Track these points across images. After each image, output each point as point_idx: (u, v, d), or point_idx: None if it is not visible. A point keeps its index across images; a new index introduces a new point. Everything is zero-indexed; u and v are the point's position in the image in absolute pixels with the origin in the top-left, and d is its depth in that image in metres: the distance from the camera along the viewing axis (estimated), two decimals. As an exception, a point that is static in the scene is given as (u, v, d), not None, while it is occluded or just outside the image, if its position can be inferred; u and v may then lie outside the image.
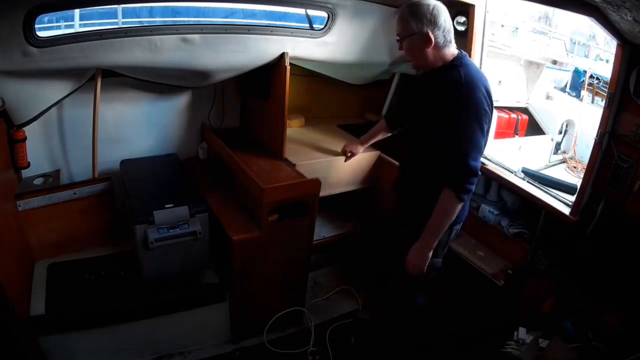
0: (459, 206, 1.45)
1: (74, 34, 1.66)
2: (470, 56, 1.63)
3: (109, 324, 1.72)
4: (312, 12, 2.00)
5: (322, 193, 1.98)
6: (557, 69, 4.20)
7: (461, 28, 2.05)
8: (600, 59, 5.18)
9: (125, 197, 1.85)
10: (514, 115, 3.01)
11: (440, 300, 2.10)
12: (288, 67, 1.92)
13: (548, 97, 3.47)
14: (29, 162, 1.85)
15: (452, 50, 1.44)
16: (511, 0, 3.20)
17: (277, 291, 2.04)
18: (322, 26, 2.03)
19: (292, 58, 1.97)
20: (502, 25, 4.16)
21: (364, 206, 2.41)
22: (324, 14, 1.99)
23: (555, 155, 2.78)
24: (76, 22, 3.28)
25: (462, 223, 1.64)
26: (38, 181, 1.89)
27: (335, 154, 2.14)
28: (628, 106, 1.60)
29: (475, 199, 2.12)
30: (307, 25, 2.03)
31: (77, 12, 3.15)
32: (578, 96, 4.18)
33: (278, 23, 2.22)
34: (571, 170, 2.63)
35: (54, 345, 1.64)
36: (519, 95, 3.22)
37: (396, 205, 1.81)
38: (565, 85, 4.43)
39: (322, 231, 2.27)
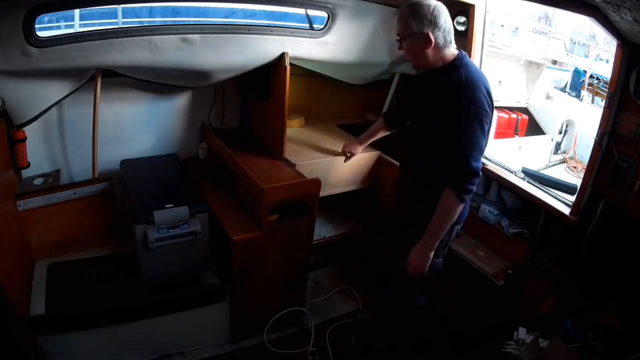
0: (460, 206, 1.46)
1: (74, 34, 1.66)
2: (470, 56, 1.63)
3: (109, 324, 1.72)
4: (312, 12, 2.00)
5: (322, 193, 1.98)
6: (557, 69, 4.20)
7: (461, 28, 2.05)
8: (600, 59, 5.19)
9: (125, 197, 1.85)
10: (514, 115, 3.01)
11: (440, 300, 2.10)
12: (288, 67, 1.92)
13: (548, 97, 3.48)
14: (29, 162, 1.85)
15: (452, 50, 1.44)
16: (511, 0, 3.20)
17: (277, 291, 2.04)
18: (322, 26, 2.03)
19: (292, 58, 1.97)
20: (502, 25, 4.16)
21: (364, 206, 2.41)
22: (324, 14, 1.99)
23: (555, 155, 2.78)
24: (76, 22, 3.28)
25: (462, 223, 1.64)
26: (38, 181, 1.89)
27: (335, 154, 2.14)
28: (628, 106, 1.60)
29: (475, 199, 2.12)
30: (307, 25, 2.03)
31: (77, 12, 3.16)
32: (578, 96, 4.19)
33: (278, 23, 2.22)
34: (571, 170, 2.63)
35: (54, 345, 1.64)
36: (519, 95, 3.22)
37: (396, 205, 1.81)
38: (565, 85, 4.43)
39: (322, 231, 2.27)
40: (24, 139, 1.80)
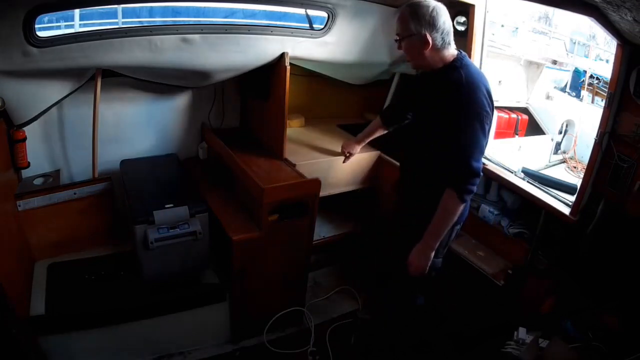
0: (461, 207, 1.46)
1: (74, 34, 1.66)
2: (470, 56, 1.64)
3: (109, 324, 1.72)
4: (312, 12, 2.00)
5: (322, 193, 1.98)
6: (557, 69, 4.20)
7: (461, 28, 2.05)
8: (600, 59, 5.19)
9: (125, 197, 1.85)
10: (514, 115, 3.01)
11: (440, 300, 2.10)
12: (288, 67, 1.92)
13: (548, 97, 3.47)
14: (29, 162, 1.85)
15: (451, 51, 1.44)
16: (511, 0, 3.20)
17: (277, 291, 2.04)
18: (322, 26, 2.03)
19: (292, 58, 1.97)
20: (502, 25, 4.16)
21: (364, 206, 2.41)
22: (324, 14, 1.99)
23: (555, 155, 2.78)
24: (76, 22, 3.28)
25: (462, 223, 1.64)
26: (38, 181, 1.89)
27: (335, 154, 2.14)
28: (628, 106, 1.60)
29: (475, 199, 2.12)
30: (307, 25, 2.03)
31: (77, 12, 3.16)
32: (578, 96, 4.18)
33: (278, 23, 2.21)
34: (571, 170, 2.63)
35: (54, 345, 1.64)
36: (519, 95, 3.22)
37: (396, 205, 1.81)
38: (565, 85, 4.43)
39: (322, 231, 2.27)
40: (24, 139, 1.80)
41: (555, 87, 4.12)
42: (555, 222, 1.83)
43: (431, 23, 1.37)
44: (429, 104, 1.48)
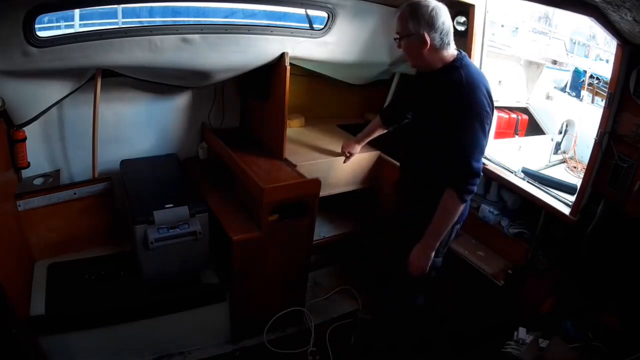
0: (461, 207, 1.46)
1: (74, 34, 1.66)
2: (470, 56, 1.63)
3: (109, 324, 1.72)
4: (312, 12, 2.00)
5: (322, 193, 1.98)
6: (557, 69, 4.20)
7: (461, 28, 2.05)
8: (600, 59, 5.18)
9: (125, 197, 1.85)
10: (514, 115, 3.01)
11: (440, 300, 2.10)
12: (288, 67, 1.93)
13: (548, 97, 3.47)
14: (29, 162, 1.85)
15: (451, 51, 1.44)
16: (511, 0, 3.20)
17: (277, 291, 2.04)
18: (322, 26, 2.03)
19: (292, 58, 1.97)
20: (502, 25, 4.16)
21: (364, 206, 2.41)
22: (324, 14, 1.99)
23: (555, 155, 2.78)
24: (76, 22, 3.28)
25: (462, 223, 1.64)
26: (38, 181, 1.89)
27: (335, 154, 2.14)
28: (628, 106, 1.60)
29: (475, 199, 2.12)
30: (307, 25, 2.03)
31: (77, 12, 3.16)
32: (578, 96, 4.18)
33: (278, 23, 2.21)
34: (571, 170, 2.63)
35: (54, 345, 1.64)
36: (519, 95, 3.22)
37: (396, 205, 1.81)
38: (565, 85, 4.43)
39: (322, 231, 2.27)
40: (24, 139, 1.80)
41: (555, 87, 4.11)
42: (555, 222, 1.83)
43: (430, 23, 1.37)
44: (429, 103, 1.48)
